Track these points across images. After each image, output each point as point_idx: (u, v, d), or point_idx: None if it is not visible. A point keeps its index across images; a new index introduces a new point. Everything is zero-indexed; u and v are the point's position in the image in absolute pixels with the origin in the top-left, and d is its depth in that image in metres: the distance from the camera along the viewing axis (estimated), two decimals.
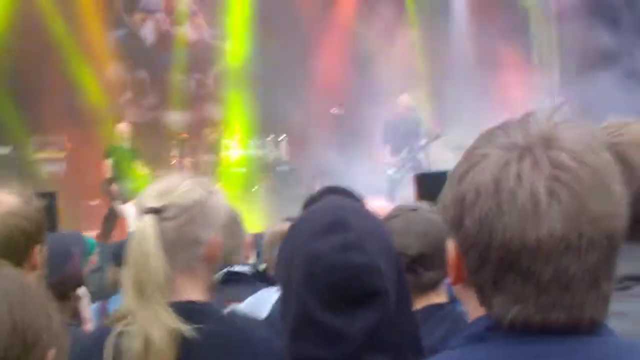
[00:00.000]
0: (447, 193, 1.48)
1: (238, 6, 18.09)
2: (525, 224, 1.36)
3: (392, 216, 3.08)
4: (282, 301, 2.01)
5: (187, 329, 2.27)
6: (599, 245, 1.38)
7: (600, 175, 1.38)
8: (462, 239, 1.44)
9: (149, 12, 18.64)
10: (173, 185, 2.48)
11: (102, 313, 5.41)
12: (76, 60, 16.60)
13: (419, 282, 2.92)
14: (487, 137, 1.46)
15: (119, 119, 15.80)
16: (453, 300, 2.99)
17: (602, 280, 1.41)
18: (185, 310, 2.34)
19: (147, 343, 2.25)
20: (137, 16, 18.52)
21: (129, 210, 6.39)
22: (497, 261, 1.39)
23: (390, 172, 14.80)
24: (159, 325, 2.26)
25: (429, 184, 9.00)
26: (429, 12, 18.60)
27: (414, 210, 3.11)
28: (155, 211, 2.39)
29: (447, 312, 2.97)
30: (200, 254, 2.46)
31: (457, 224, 1.44)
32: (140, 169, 14.65)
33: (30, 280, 2.03)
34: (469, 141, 1.51)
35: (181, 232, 2.42)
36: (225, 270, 3.50)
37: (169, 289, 2.34)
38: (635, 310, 2.00)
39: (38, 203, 2.99)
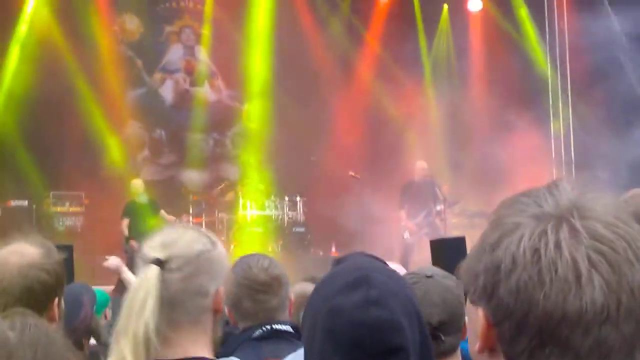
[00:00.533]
0: (475, 261, 1.44)
1: (257, 68, 18.30)
2: (567, 294, 1.34)
3: (414, 281, 3.08)
4: (306, 356, 2.00)
5: None
6: (635, 315, 1.37)
7: (633, 246, 1.37)
8: (495, 308, 1.40)
9: (169, 72, 18.88)
10: (176, 236, 2.43)
11: None
12: (96, 117, 16.78)
13: (441, 349, 2.93)
14: (515, 205, 1.45)
15: (136, 177, 15.92)
16: None
17: (636, 352, 1.39)
18: None
19: None
20: (157, 76, 18.75)
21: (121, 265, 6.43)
22: (535, 332, 1.37)
23: (406, 235, 14.83)
24: None
25: (445, 250, 8.96)
26: (447, 77, 18.84)
27: (430, 277, 3.10)
28: (159, 262, 2.34)
29: None
30: (206, 305, 2.42)
31: (489, 293, 1.41)
32: (166, 217, 14.75)
33: (54, 330, 2.05)
34: (485, 209, 1.54)
35: (187, 283, 2.36)
36: (267, 327, 3.42)
37: (165, 345, 2.29)
38: None
39: (58, 256, 2.97)
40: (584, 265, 1.34)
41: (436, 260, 8.94)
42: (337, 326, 1.90)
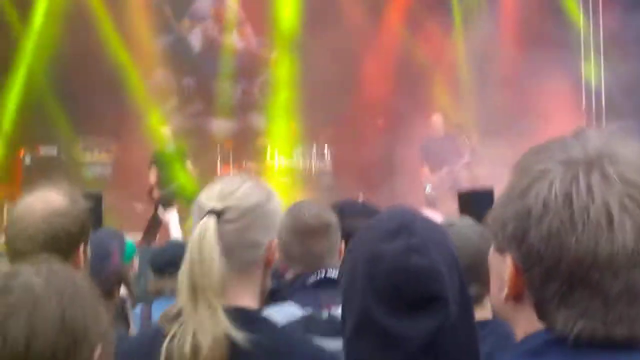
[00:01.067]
0: (503, 209, 1.47)
1: (286, 16, 18.18)
2: (599, 238, 1.36)
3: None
4: (345, 302, 2.02)
5: (239, 336, 2.23)
6: None
7: None
8: (526, 254, 1.43)
9: (198, 19, 18.78)
10: (234, 187, 2.45)
11: (146, 316, 5.40)
12: (125, 64, 16.76)
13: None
14: (543, 152, 1.46)
15: (164, 124, 15.94)
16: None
17: None
18: (239, 317, 2.30)
19: (196, 349, 2.21)
20: (186, 23, 18.65)
21: (171, 217, 6.37)
22: (566, 276, 1.39)
23: (428, 189, 14.85)
24: (211, 330, 2.22)
25: (473, 201, 8.91)
26: (477, 24, 18.64)
27: (451, 225, 3.11)
28: (217, 213, 2.36)
29: (492, 327, 2.93)
30: (258, 257, 2.44)
31: (518, 239, 1.43)
32: (191, 169, 14.79)
33: (81, 278, 2.06)
34: (514, 157, 1.52)
35: (241, 234, 2.39)
36: (322, 274, 3.41)
37: (224, 293, 2.30)
38: None
39: (84, 204, 3.00)
40: (616, 210, 1.36)
41: (464, 212, 8.91)
42: (377, 272, 1.91)
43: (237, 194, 2.42)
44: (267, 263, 2.47)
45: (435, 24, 17.83)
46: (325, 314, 3.02)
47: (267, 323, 2.40)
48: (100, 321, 1.99)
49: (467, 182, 14.51)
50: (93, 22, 16.44)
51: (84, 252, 2.95)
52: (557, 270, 1.39)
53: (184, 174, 14.72)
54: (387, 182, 15.07)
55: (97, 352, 1.96)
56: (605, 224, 1.36)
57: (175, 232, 6.46)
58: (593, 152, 1.41)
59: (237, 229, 2.38)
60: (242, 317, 2.30)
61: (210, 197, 2.42)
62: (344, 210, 3.80)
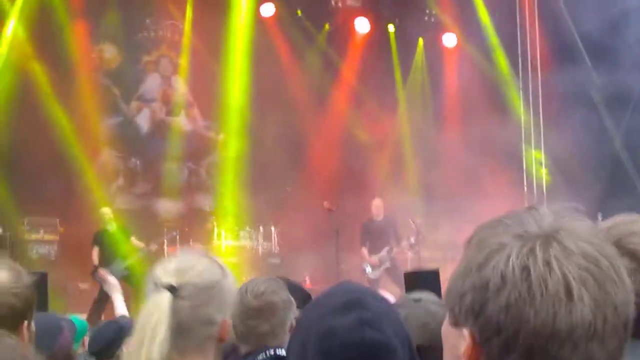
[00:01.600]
0: (461, 281, 1.46)
1: (234, 99, 18.39)
2: (558, 310, 1.37)
3: (395, 306, 3.11)
4: None
5: None
6: (618, 332, 1.41)
7: (615, 266, 1.42)
8: (484, 326, 1.42)
9: (146, 101, 18.89)
10: (190, 264, 2.46)
11: None
12: (72, 144, 16.77)
13: None
14: (499, 226, 1.47)
15: (110, 205, 15.94)
16: None
17: None
18: None
19: None
20: (134, 104, 18.75)
21: (116, 293, 6.31)
22: (524, 348, 1.38)
23: (368, 270, 15.09)
24: None
25: (419, 282, 8.98)
26: (421, 111, 19.02)
27: (418, 301, 3.12)
28: (172, 289, 2.37)
29: None
30: (212, 334, 2.45)
31: (477, 311, 1.43)
32: (136, 243, 14.82)
33: (28, 350, 2.04)
34: (460, 239, 1.56)
35: (197, 312, 2.40)
36: (270, 352, 3.44)
37: None
38: None
39: (28, 279, 2.93)
40: (574, 282, 1.37)
41: (410, 292, 9.02)
42: (331, 347, 1.90)
43: (194, 271, 2.43)
44: (220, 340, 2.47)
45: (380, 105, 18.17)
46: None
47: None
48: None
49: (412, 264, 14.68)
50: (41, 101, 16.47)
51: (27, 328, 2.89)
52: (516, 342, 1.39)
53: (130, 250, 14.74)
54: (333, 263, 15.16)
55: None
56: (564, 296, 1.37)
57: (121, 309, 6.38)
58: (548, 227, 1.43)
59: (192, 306, 2.39)
60: None
61: (166, 272, 2.43)
62: None
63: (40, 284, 8.25)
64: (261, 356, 3.41)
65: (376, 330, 1.92)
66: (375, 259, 15.19)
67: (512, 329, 1.38)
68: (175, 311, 2.33)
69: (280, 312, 3.57)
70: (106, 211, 15.20)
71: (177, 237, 16.50)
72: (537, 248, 1.40)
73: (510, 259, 1.40)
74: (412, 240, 15.04)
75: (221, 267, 2.53)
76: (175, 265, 2.46)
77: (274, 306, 3.57)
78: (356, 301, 1.96)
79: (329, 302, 2.01)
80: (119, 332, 5.40)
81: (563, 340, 1.37)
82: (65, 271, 15.43)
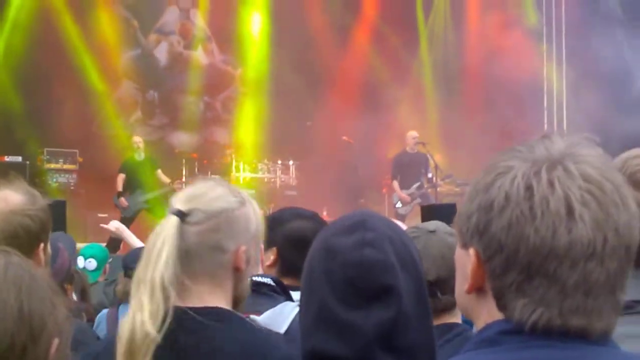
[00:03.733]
0: (469, 203, 1.52)
1: (253, 34, 18.38)
2: (557, 228, 1.41)
3: (411, 237, 3.07)
4: (303, 298, 2.07)
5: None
6: (619, 254, 1.44)
7: (620, 191, 1.46)
8: (487, 244, 1.47)
9: (164, 34, 18.88)
10: (203, 191, 2.44)
11: (112, 320, 5.37)
12: (92, 76, 16.83)
13: (437, 306, 2.89)
14: (509, 152, 1.52)
15: (129, 136, 16.02)
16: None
17: (618, 290, 1.47)
18: (209, 314, 2.34)
19: (132, 340, 2.25)
20: (152, 37, 18.76)
21: (119, 226, 6.21)
22: (524, 265, 1.43)
23: (398, 205, 15.01)
24: (143, 322, 2.23)
25: (435, 216, 9.08)
26: (442, 47, 18.95)
27: (433, 232, 3.12)
28: (180, 214, 2.37)
29: (461, 330, 3.01)
30: (223, 261, 2.43)
31: (481, 230, 1.48)
32: (162, 177, 14.88)
33: (38, 270, 2.03)
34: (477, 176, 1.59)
35: (202, 237, 2.38)
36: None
37: (184, 294, 2.34)
38: None
39: (43, 202, 2.94)
40: (575, 202, 1.42)
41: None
42: (332, 265, 1.97)
43: (205, 198, 2.42)
44: (236, 269, 2.45)
45: (401, 42, 18.11)
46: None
47: (244, 321, 2.43)
48: (58, 314, 1.94)
49: (434, 200, 14.69)
50: (61, 33, 16.48)
51: (44, 251, 2.90)
52: (516, 260, 1.44)
53: (154, 183, 14.81)
54: (351, 197, 15.22)
55: (55, 344, 1.92)
56: (564, 214, 1.42)
57: (136, 243, 6.28)
58: (557, 152, 1.47)
59: (199, 231, 2.37)
60: (212, 314, 2.34)
61: (178, 198, 2.44)
62: (276, 218, 3.78)
63: (59, 211, 8.35)
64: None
65: (376, 250, 1.97)
66: (406, 194, 15.05)
67: (513, 247, 1.44)
68: (182, 236, 2.33)
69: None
70: (137, 140, 15.23)
71: (196, 168, 16.61)
72: (543, 170, 1.45)
73: (516, 180, 1.45)
74: (430, 175, 15.05)
75: (238, 196, 2.48)
76: (188, 192, 2.46)
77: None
78: (360, 223, 2.02)
79: (337, 224, 2.09)
80: None
81: (561, 258, 1.42)
82: (85, 200, 15.61)
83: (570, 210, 1.42)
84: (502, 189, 1.46)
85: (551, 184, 1.43)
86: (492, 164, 1.51)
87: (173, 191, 14.77)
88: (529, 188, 1.44)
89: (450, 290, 2.76)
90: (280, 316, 3.07)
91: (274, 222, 3.69)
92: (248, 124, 18.07)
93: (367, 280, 1.94)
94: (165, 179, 15.10)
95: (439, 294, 2.94)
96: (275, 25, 18.05)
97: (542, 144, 1.50)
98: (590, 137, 1.51)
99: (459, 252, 1.57)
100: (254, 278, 3.28)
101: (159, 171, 15.10)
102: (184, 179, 16.09)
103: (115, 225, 6.95)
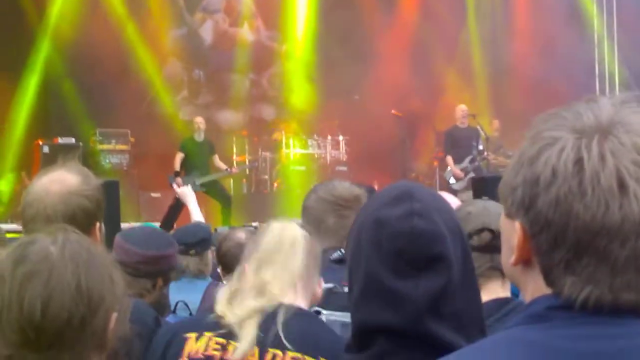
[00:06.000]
0: (513, 175, 1.46)
1: (298, 9, 18.38)
2: (609, 205, 1.36)
3: (469, 203, 3.13)
4: (351, 267, 2.06)
5: None
6: None
7: None
8: (534, 219, 1.42)
9: (210, 12, 18.93)
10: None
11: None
12: (140, 55, 16.94)
13: (496, 264, 2.84)
14: (554, 119, 1.45)
15: (176, 115, 16.10)
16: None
17: None
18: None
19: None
20: (198, 15, 18.82)
21: (191, 197, 6.24)
22: (573, 242, 1.39)
23: (452, 181, 14.98)
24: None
25: (486, 188, 9.07)
26: (490, 16, 18.82)
27: (487, 199, 3.13)
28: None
29: (516, 305, 2.92)
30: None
31: (527, 205, 1.43)
32: (218, 163, 14.89)
33: (96, 246, 2.09)
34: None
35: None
36: (344, 249, 3.42)
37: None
38: None
39: (97, 182, 3.00)
40: (628, 177, 1.35)
41: (477, 197, 9.10)
42: (381, 236, 1.96)
43: None
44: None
45: (450, 14, 18.02)
46: (345, 289, 3.09)
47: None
48: (115, 288, 1.99)
49: (486, 171, 14.67)
50: (110, 13, 16.59)
51: (100, 229, 2.97)
52: (565, 237, 1.39)
53: (210, 167, 14.79)
54: (401, 171, 15.22)
55: (113, 318, 1.97)
56: (617, 190, 1.36)
57: (197, 215, 6.37)
58: (606, 120, 1.40)
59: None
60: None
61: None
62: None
63: (112, 191, 8.43)
64: (337, 253, 3.48)
65: (425, 220, 1.96)
66: (459, 169, 14.96)
67: (561, 224, 1.39)
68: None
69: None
70: (199, 120, 15.02)
71: (246, 146, 16.68)
72: (592, 142, 1.38)
73: (563, 153, 1.39)
74: (481, 147, 15.01)
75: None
76: None
77: (361, 199, 3.62)
78: (407, 193, 2.00)
79: (382, 195, 2.07)
80: (208, 232, 5.55)
81: (612, 236, 1.37)
82: (138, 180, 15.75)
83: (622, 186, 1.36)
84: (548, 162, 1.40)
85: (602, 157, 1.37)
86: (537, 133, 1.45)
87: (230, 175, 14.84)
88: (577, 162, 1.38)
89: None
90: None
91: None
92: (296, 100, 18.09)
93: (417, 250, 1.94)
94: (222, 166, 15.02)
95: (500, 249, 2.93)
96: None
97: (589, 110, 1.43)
98: (638, 96, 1.44)
99: (503, 221, 1.53)
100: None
101: (216, 157, 15.01)
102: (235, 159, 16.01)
103: (184, 191, 7.06)
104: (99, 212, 2.97)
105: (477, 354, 1.50)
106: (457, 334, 1.93)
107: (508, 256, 1.51)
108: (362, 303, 1.99)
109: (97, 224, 2.96)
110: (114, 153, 16.15)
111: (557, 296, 1.42)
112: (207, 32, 18.98)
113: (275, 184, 16.45)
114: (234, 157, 16.66)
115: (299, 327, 2.65)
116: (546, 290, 1.44)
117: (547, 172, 1.39)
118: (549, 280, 1.43)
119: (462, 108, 15.18)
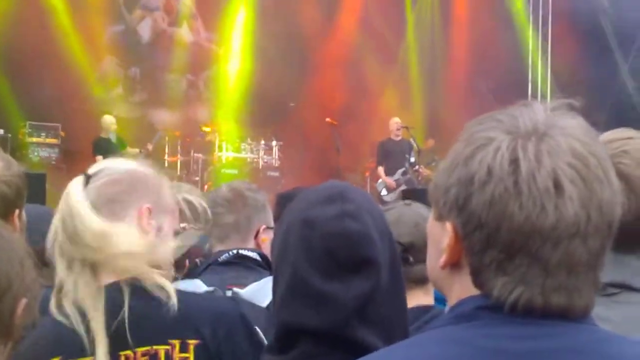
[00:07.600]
0: (446, 176, 1.44)
1: (238, 13, 18.31)
2: (544, 206, 1.36)
3: (386, 209, 3.07)
4: (275, 270, 2.03)
5: None
6: (601, 231, 1.40)
7: (603, 166, 1.40)
8: (467, 219, 1.41)
9: (149, 9, 18.77)
10: (116, 162, 2.50)
11: None
12: (75, 50, 16.71)
13: (409, 276, 2.79)
14: (488, 122, 1.44)
15: (110, 113, 15.91)
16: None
17: (598, 268, 1.43)
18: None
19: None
20: (137, 13, 18.64)
21: None
22: (505, 243, 1.38)
23: (384, 192, 15.05)
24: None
25: (417, 200, 9.10)
26: (429, 33, 18.95)
27: (408, 205, 3.13)
28: (87, 176, 2.41)
29: (437, 312, 2.96)
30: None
31: (461, 205, 1.41)
32: (131, 151, 14.70)
33: (9, 231, 2.03)
34: None
35: (102, 192, 2.38)
36: (233, 251, 3.40)
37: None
38: (619, 316, 2.05)
39: (19, 169, 2.85)
40: (564, 178, 1.36)
41: None
42: (311, 236, 1.93)
43: (113, 165, 2.46)
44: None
45: (388, 29, 18.10)
46: (229, 292, 3.08)
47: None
48: (26, 275, 1.93)
49: (418, 184, 14.72)
50: (45, 7, 16.36)
51: (19, 217, 2.83)
52: (497, 237, 1.38)
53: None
54: (333, 178, 15.21)
55: (22, 304, 1.92)
56: (553, 191, 1.35)
57: None
58: (542, 123, 1.41)
59: (99, 186, 2.39)
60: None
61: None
62: (286, 196, 3.77)
63: (39, 184, 8.27)
64: (225, 255, 3.40)
65: (357, 222, 1.93)
66: (391, 180, 15.08)
67: (494, 224, 1.38)
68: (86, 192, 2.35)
69: (249, 209, 3.52)
70: (111, 120, 15.05)
71: (179, 146, 16.56)
72: (528, 142, 1.38)
73: (499, 153, 1.38)
74: (413, 160, 15.09)
75: (151, 169, 2.54)
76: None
77: (246, 200, 3.52)
78: (339, 194, 1.98)
79: (312, 195, 2.03)
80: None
81: (545, 237, 1.37)
82: (66, 175, 15.48)
83: (558, 187, 1.36)
84: (483, 162, 1.39)
85: (538, 158, 1.37)
86: (471, 134, 1.44)
87: (148, 154, 14.71)
88: (513, 161, 1.37)
89: (423, 260, 2.75)
90: (263, 290, 3.03)
91: (283, 200, 3.70)
92: (231, 103, 18.01)
93: (348, 252, 1.91)
94: (134, 151, 14.90)
95: (411, 259, 2.90)
96: (261, 5, 17.99)
97: (524, 113, 1.43)
98: (571, 102, 1.45)
99: (432, 224, 1.52)
100: (240, 251, 3.40)
101: (127, 149, 14.89)
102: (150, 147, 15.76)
103: None
104: (18, 199, 2.82)
105: (406, 350, 1.49)
106: (380, 339, 1.90)
107: (436, 259, 1.50)
108: (287, 304, 1.95)
109: (17, 212, 2.82)
110: (43, 146, 15.94)
111: (487, 297, 1.41)
112: (145, 30, 18.80)
113: (206, 187, 16.34)
114: (166, 157, 16.51)
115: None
116: (474, 292, 1.44)
117: (482, 171, 1.38)
118: (478, 281, 1.43)
119: (395, 121, 15.30)
